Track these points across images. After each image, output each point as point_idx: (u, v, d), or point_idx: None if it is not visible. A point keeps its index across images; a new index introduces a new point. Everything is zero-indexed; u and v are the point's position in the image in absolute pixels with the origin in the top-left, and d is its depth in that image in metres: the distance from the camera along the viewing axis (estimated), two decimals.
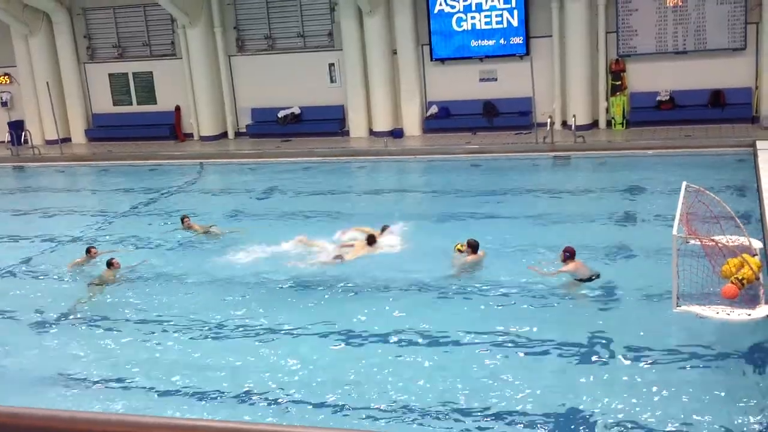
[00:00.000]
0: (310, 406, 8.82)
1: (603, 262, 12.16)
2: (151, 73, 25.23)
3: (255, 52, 24.25)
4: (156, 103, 25.27)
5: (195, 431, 2.72)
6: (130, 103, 25.58)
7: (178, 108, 24.84)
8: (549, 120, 20.04)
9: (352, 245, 13.75)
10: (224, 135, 24.62)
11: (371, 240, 13.70)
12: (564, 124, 21.37)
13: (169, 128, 24.83)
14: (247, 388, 9.35)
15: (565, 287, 11.47)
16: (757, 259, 9.90)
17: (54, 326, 11.78)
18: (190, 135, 24.77)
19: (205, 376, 9.75)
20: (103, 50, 25.60)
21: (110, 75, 25.60)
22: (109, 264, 13.14)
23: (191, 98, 24.33)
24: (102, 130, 25.72)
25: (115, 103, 25.74)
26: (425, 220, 15.19)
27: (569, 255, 11.67)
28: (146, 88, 25.38)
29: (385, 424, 8.38)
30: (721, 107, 20.33)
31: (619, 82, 21.14)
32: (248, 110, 24.43)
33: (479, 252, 12.54)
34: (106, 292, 12.80)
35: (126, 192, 20.04)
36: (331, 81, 23.58)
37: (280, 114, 23.74)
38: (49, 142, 25.39)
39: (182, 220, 15.66)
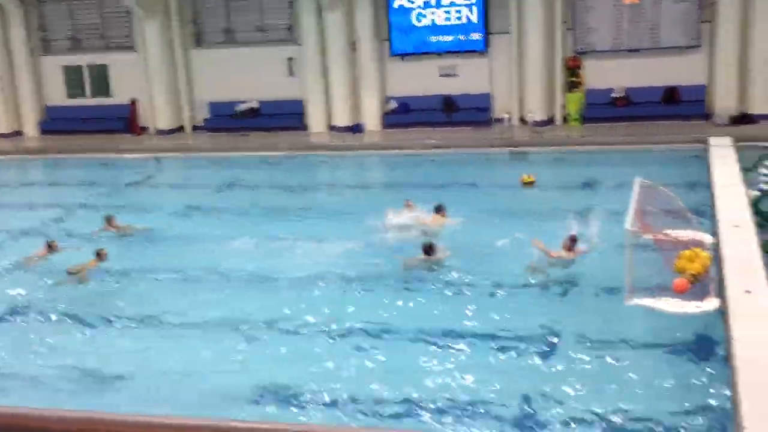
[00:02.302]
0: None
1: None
2: (106, 66, 24.84)
3: (213, 45, 24.01)
4: (111, 96, 24.90)
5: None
6: (84, 96, 25.18)
7: (133, 101, 24.50)
8: (507, 116, 20.21)
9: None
10: (181, 129, 24.35)
11: (439, 209, 13.91)
12: (522, 119, 21.55)
13: (124, 122, 24.48)
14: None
15: (530, 277, 11.57)
16: (707, 253, 10.08)
17: (22, 321, 11.52)
18: (146, 128, 24.47)
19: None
20: (57, 42, 25.14)
21: (64, 67, 25.17)
22: (98, 254, 12.83)
23: (147, 91, 24.02)
24: (56, 122, 25.29)
25: (69, 96, 25.33)
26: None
27: (575, 242, 11.82)
28: (101, 81, 24.98)
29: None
30: (676, 104, 20.65)
31: (577, 79, 21.34)
32: (206, 104, 24.20)
33: (438, 254, 12.24)
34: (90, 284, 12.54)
35: (80, 186, 19.71)
36: (291, 75, 23.46)
37: (239, 108, 23.55)
38: (1, 135, 24.87)
39: (108, 220, 14.96)
